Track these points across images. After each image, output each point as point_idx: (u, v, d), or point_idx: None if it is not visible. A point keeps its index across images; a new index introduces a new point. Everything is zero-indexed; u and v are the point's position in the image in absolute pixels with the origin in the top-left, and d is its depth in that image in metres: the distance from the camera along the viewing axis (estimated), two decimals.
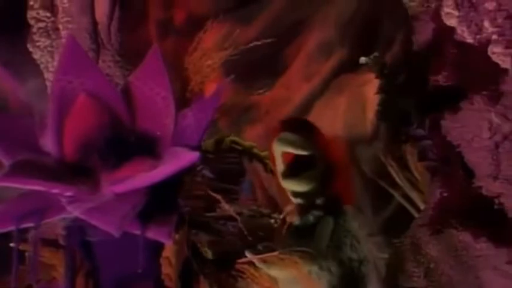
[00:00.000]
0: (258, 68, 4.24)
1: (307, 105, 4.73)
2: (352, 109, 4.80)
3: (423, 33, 3.30)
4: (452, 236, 3.16)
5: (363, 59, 3.80)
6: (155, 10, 4.07)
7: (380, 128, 4.64)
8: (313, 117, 4.75)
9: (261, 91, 4.37)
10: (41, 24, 3.55)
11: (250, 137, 3.67)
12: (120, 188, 2.19)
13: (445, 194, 3.20)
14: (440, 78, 3.22)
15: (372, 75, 4.56)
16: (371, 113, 4.70)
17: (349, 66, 4.67)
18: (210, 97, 2.38)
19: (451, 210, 3.19)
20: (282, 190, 3.23)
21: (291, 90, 4.65)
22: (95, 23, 3.54)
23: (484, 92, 3.11)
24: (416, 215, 4.54)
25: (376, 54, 3.70)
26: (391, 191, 4.70)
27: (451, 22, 3.19)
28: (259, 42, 3.17)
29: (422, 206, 4.50)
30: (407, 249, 3.30)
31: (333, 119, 4.80)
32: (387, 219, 4.72)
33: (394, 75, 3.77)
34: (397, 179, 4.63)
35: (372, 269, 4.69)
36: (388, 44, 4.56)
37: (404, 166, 4.58)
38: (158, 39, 4.09)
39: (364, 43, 4.63)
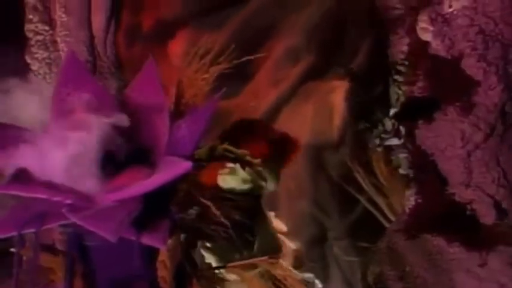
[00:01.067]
0: (226, 74, 4.27)
1: (275, 111, 4.79)
2: (319, 116, 4.88)
3: (399, 47, 3.40)
4: (427, 240, 3.27)
5: (338, 70, 3.90)
6: (124, 15, 4.10)
7: (347, 134, 4.74)
8: (280, 123, 4.82)
9: (228, 98, 4.40)
10: (39, 37, 3.60)
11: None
12: (117, 195, 2.27)
13: (420, 201, 3.31)
14: (416, 90, 3.33)
15: (339, 82, 4.65)
16: (338, 120, 4.79)
17: (317, 73, 4.75)
18: (203, 109, 2.46)
19: (425, 216, 3.30)
20: None
21: (259, 96, 4.68)
22: (91, 37, 3.60)
23: (457, 103, 3.23)
24: (381, 219, 4.67)
25: (351, 66, 3.80)
26: (357, 195, 4.81)
27: (426, 36, 3.30)
28: (251, 57, 3.23)
29: (387, 211, 4.63)
30: (384, 253, 3.39)
31: (300, 126, 4.87)
32: (353, 223, 4.83)
33: (371, 86, 3.88)
34: (363, 184, 4.75)
35: (337, 270, 4.81)
36: (354, 53, 4.66)
37: (370, 172, 4.70)
38: (126, 45, 4.12)
39: (331, 50, 4.72)
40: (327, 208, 4.92)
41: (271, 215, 3.92)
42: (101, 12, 3.70)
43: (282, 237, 3.88)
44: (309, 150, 4.77)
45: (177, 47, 4.33)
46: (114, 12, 3.72)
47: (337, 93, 4.71)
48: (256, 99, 4.53)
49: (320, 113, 4.84)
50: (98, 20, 3.68)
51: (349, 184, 4.83)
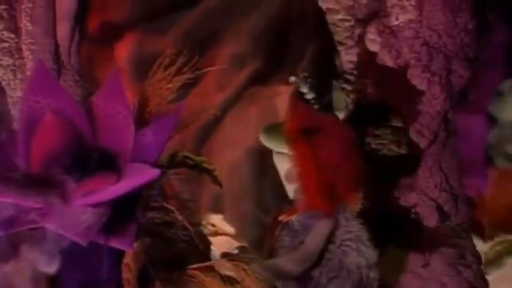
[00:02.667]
0: None
1: (221, 115, 4.85)
2: (264, 120, 4.96)
3: (348, 57, 3.52)
4: None
5: (292, 78, 3.99)
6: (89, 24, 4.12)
7: None
8: (225, 128, 4.88)
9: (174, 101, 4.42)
10: (5, 45, 3.61)
11: (167, 148, 3.79)
12: (85, 201, 2.33)
13: (368, 205, 3.41)
14: (363, 98, 3.44)
15: (283, 88, 4.74)
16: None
17: (262, 78, 4.83)
18: (168, 117, 2.54)
19: (372, 219, 3.41)
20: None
21: (205, 100, 4.71)
22: (56, 45, 3.63)
23: (403, 112, 3.35)
24: None
25: (305, 74, 3.89)
26: None
27: (374, 47, 3.43)
28: (212, 68, 3.31)
29: None
30: None
31: (245, 129, 4.94)
32: None
33: (321, 95, 3.98)
34: None
35: None
36: (299, 58, 4.76)
37: None
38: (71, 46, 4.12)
39: (276, 55, 4.81)
40: (271, 210, 5.01)
41: (218, 218, 3.97)
42: (66, 21, 3.74)
43: (230, 239, 3.93)
44: (254, 153, 4.85)
45: (123, 50, 4.34)
46: (79, 21, 3.76)
47: (282, 98, 4.80)
48: (202, 103, 4.55)
49: (264, 117, 4.92)
50: (63, 29, 3.72)
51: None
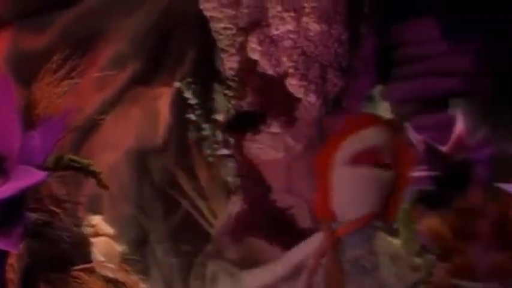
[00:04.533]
0: None
1: (100, 115, 4.82)
2: (145, 121, 4.98)
3: (230, 64, 3.63)
4: (251, 243, 3.51)
5: (176, 84, 4.05)
6: None
7: (171, 140, 4.90)
8: (105, 129, 4.88)
9: None
10: None
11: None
12: None
13: (246, 207, 3.53)
14: (244, 104, 3.55)
15: (165, 89, 4.80)
16: (163, 125, 4.93)
17: (143, 79, 4.85)
18: (55, 120, 2.56)
19: (250, 220, 3.53)
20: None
21: (83, 99, 4.67)
22: None
23: (281, 118, 3.50)
24: (203, 222, 4.87)
25: (189, 79, 3.97)
26: (180, 199, 4.99)
27: (255, 56, 3.55)
28: (111, 73, 3.33)
29: (208, 215, 4.84)
30: (211, 256, 3.59)
31: (126, 130, 4.94)
32: (175, 226, 5.00)
33: (205, 100, 4.08)
34: (186, 189, 4.92)
35: (158, 272, 4.95)
36: (181, 61, 4.84)
37: (193, 177, 4.89)
38: None
39: (158, 57, 4.85)
40: (149, 211, 5.04)
41: (97, 218, 3.97)
42: None
43: (109, 240, 3.94)
44: (134, 155, 4.88)
45: (0, 46, 4.27)
46: None
47: (163, 100, 4.85)
48: (80, 102, 4.51)
49: (146, 118, 4.93)
50: None
51: (173, 188, 4.99)
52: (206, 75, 3.81)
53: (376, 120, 2.50)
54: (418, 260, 3.30)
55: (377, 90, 6.35)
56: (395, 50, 5.99)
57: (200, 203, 4.91)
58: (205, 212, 4.92)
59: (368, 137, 2.55)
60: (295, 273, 2.76)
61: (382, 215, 2.53)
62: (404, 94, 6.06)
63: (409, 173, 2.50)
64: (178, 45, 4.84)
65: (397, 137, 2.51)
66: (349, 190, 2.56)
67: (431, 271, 3.43)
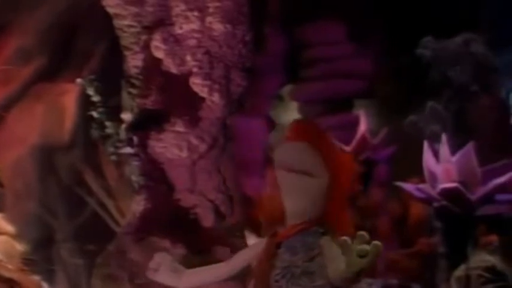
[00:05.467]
0: None
1: (4, 110, 4.72)
2: (50, 117, 4.90)
3: (134, 62, 3.60)
4: (153, 242, 3.50)
5: (79, 80, 4.00)
6: None
7: (78, 137, 4.83)
8: (10, 123, 4.78)
9: None
10: None
11: None
12: None
13: (149, 206, 3.52)
14: (148, 102, 3.54)
15: (71, 86, 4.73)
16: (69, 122, 4.87)
17: (49, 75, 4.77)
18: None
19: (153, 220, 3.52)
20: None
21: None
22: None
23: (185, 117, 3.50)
24: (110, 222, 4.83)
25: (91, 76, 3.92)
26: (87, 198, 4.93)
27: (159, 54, 3.54)
28: (15, 67, 3.23)
29: (115, 214, 4.80)
30: (113, 256, 3.55)
31: (29, 126, 4.85)
32: (81, 225, 4.93)
33: (107, 97, 4.04)
34: (93, 187, 4.87)
35: (63, 273, 4.87)
36: (87, 57, 4.78)
37: (100, 175, 4.84)
38: None
39: (64, 53, 4.78)
40: (55, 210, 4.96)
41: None
42: None
43: (9, 239, 3.86)
44: (39, 151, 4.79)
45: None
46: None
47: (69, 96, 4.78)
48: None
49: (51, 114, 4.86)
50: None
51: (79, 186, 4.92)
52: (112, 72, 3.77)
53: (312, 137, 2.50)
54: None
55: (286, 90, 6.45)
56: (303, 51, 6.10)
57: (108, 202, 4.87)
58: (113, 211, 4.88)
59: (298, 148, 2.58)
60: (238, 277, 2.76)
61: (324, 222, 2.56)
62: (311, 95, 6.19)
63: (345, 180, 2.52)
64: (85, 41, 4.78)
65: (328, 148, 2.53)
66: (285, 194, 2.59)
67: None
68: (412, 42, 5.76)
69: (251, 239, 4.82)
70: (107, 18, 3.73)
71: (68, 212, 4.89)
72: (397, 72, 5.81)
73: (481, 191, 3.74)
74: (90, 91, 3.83)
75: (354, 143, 4.75)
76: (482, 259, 3.47)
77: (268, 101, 5.96)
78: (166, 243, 3.48)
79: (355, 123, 4.98)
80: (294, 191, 2.54)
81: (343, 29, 6.00)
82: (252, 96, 4.59)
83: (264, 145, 5.98)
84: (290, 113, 6.48)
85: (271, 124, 6.15)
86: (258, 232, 5.21)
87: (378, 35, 5.93)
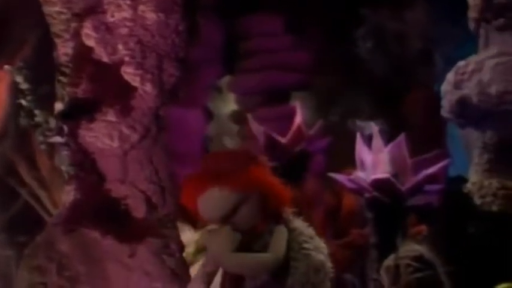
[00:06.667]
0: None
1: None
2: None
3: (64, 50, 3.54)
4: (83, 234, 3.46)
5: (7, 67, 3.92)
6: None
7: (9, 126, 4.75)
8: None
9: None
10: None
11: None
12: None
13: (79, 196, 3.47)
14: (79, 91, 3.49)
15: (2, 74, 4.63)
16: (0, 111, 4.77)
17: None
18: None
19: (83, 210, 3.47)
20: None
21: None
22: None
23: (117, 106, 3.46)
24: (43, 213, 4.75)
25: (20, 64, 3.85)
26: (19, 189, 4.84)
27: (90, 42, 3.49)
28: None
29: (48, 205, 4.73)
30: (41, 247, 3.50)
31: None
32: (12, 217, 4.85)
33: (37, 85, 3.96)
34: (25, 178, 4.78)
35: None
36: (20, 44, 4.69)
37: (33, 165, 4.76)
38: None
39: None
40: None
41: None
42: None
43: None
44: None
45: None
46: None
47: (1, 84, 4.69)
48: None
49: None
50: None
51: (11, 177, 4.83)
52: (43, 60, 3.70)
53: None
54: None
55: (224, 81, 6.43)
56: (241, 43, 6.09)
57: (40, 193, 4.79)
58: (46, 202, 4.80)
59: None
60: None
61: None
62: (249, 86, 6.19)
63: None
64: (19, 29, 4.68)
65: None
66: None
67: None
68: (349, 35, 5.81)
69: (186, 231, 4.81)
70: (40, 4, 3.67)
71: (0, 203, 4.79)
72: (333, 64, 5.85)
73: (412, 181, 3.78)
74: (19, 79, 3.75)
75: (290, 134, 4.76)
76: (410, 248, 3.51)
77: (205, 92, 5.94)
78: (96, 234, 3.43)
79: (291, 115, 4.99)
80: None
81: (281, 21, 6.02)
82: (188, 87, 4.56)
83: (201, 136, 5.96)
84: (229, 105, 6.48)
85: (209, 115, 6.13)
86: (193, 224, 5.19)
87: (315, 27, 5.96)
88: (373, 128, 3.87)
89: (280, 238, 2.58)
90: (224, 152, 3.10)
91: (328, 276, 2.59)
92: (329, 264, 2.63)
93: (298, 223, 2.67)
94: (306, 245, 2.60)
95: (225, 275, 2.55)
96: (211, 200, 2.51)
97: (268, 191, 2.59)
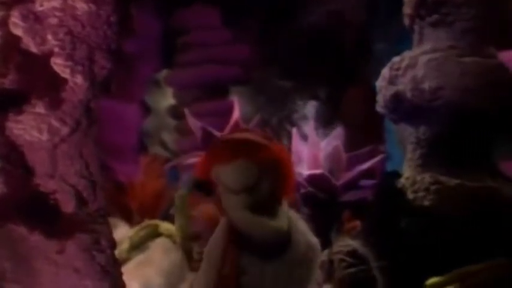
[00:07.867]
0: None
1: None
2: None
3: None
4: (10, 230, 3.37)
5: None
6: None
7: None
8: None
9: None
10: None
11: None
12: None
13: (5, 190, 3.38)
14: (6, 82, 3.39)
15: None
16: None
17: None
18: None
19: (10, 206, 3.38)
20: None
21: None
22: None
23: (46, 98, 3.37)
24: None
25: None
26: None
27: (18, 32, 3.39)
28: None
29: None
30: None
31: None
32: None
33: None
34: None
35: None
36: None
37: None
38: None
39: None
40: None
41: None
42: None
43: None
44: None
45: None
46: None
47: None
48: None
49: None
50: None
51: None
52: None
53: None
54: None
55: (162, 75, 6.36)
56: (179, 36, 6.03)
57: None
58: None
59: None
60: None
61: None
62: (186, 80, 6.14)
63: None
64: None
65: None
66: None
67: None
68: (288, 29, 5.80)
69: (121, 226, 4.72)
70: None
71: None
72: (272, 58, 5.84)
73: (346, 177, 3.79)
74: None
75: (227, 129, 4.73)
76: (344, 244, 3.53)
77: (142, 85, 5.86)
78: (23, 229, 3.35)
79: (230, 109, 4.97)
80: None
81: (219, 14, 5.98)
82: (125, 80, 4.47)
83: (137, 131, 5.88)
84: (167, 99, 6.41)
85: (146, 109, 6.06)
86: (129, 219, 5.10)
87: (254, 21, 5.94)
88: (309, 124, 3.87)
89: (283, 216, 2.89)
90: (248, 129, 3.48)
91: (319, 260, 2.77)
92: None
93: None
94: (303, 228, 2.97)
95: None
96: (238, 169, 2.81)
97: (287, 170, 2.95)
